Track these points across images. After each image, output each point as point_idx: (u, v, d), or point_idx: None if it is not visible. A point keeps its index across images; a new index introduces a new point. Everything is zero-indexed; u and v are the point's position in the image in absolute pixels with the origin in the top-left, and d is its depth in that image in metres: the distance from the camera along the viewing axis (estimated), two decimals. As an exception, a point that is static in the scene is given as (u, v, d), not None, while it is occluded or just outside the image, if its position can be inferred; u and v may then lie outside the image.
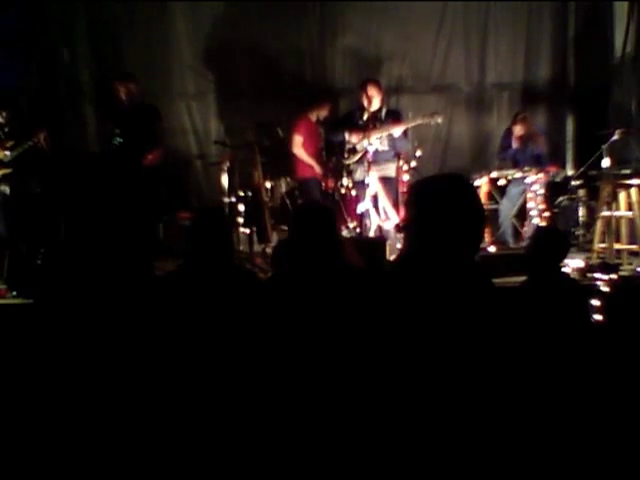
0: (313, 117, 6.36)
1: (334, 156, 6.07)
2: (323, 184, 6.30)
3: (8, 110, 5.37)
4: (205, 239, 2.75)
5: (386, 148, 5.73)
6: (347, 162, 5.75)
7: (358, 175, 5.74)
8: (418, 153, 5.80)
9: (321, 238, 2.55)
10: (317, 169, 6.26)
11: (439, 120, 5.63)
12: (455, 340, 1.70)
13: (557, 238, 3.36)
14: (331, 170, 6.20)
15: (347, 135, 5.75)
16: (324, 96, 6.63)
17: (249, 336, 2.46)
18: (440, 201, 1.78)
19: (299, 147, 6.26)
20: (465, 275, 1.78)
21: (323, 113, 6.39)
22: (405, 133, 5.77)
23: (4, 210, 5.21)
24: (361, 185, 5.69)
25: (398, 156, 5.75)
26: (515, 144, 6.11)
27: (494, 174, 5.88)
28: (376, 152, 5.66)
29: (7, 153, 5.23)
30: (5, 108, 5.35)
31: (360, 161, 5.69)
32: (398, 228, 5.08)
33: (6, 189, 5.28)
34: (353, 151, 5.73)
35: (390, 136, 5.69)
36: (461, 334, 1.71)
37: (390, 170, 5.74)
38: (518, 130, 6.08)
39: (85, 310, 3.32)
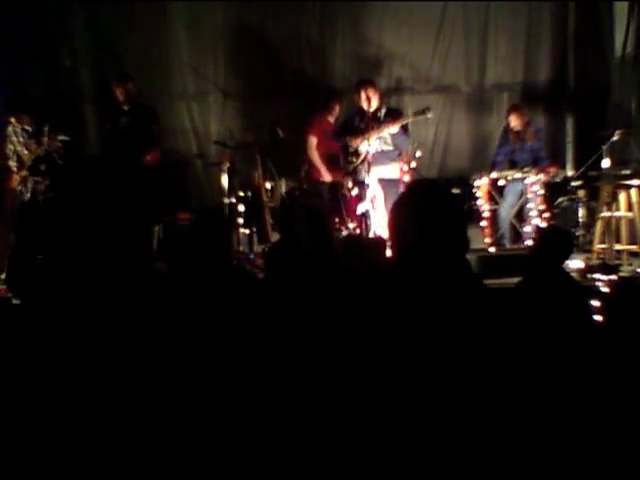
0: (331, 118, 6.34)
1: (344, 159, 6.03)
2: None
3: (29, 115, 5.38)
4: (204, 241, 2.75)
5: (390, 147, 5.70)
6: (353, 166, 5.74)
7: (360, 175, 5.73)
8: (418, 154, 5.80)
9: (311, 239, 2.55)
10: (324, 175, 6.21)
11: (429, 115, 5.59)
12: (448, 341, 1.71)
13: (563, 238, 3.37)
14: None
15: (348, 139, 5.75)
16: (335, 95, 6.56)
17: (249, 337, 2.46)
18: (417, 208, 1.80)
19: (313, 149, 6.21)
20: (455, 277, 1.78)
21: (336, 112, 6.36)
22: (405, 130, 5.74)
23: (21, 215, 5.25)
24: (363, 185, 5.68)
25: (401, 156, 5.73)
26: (513, 140, 6.08)
27: (494, 175, 5.88)
28: (381, 152, 5.64)
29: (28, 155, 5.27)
30: (26, 113, 5.37)
31: (363, 163, 5.68)
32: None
33: (27, 194, 5.31)
34: (356, 154, 5.73)
35: (394, 134, 5.67)
36: (453, 335, 1.71)
37: (394, 171, 5.70)
38: (513, 120, 6.02)
39: (85, 311, 3.32)
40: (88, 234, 5.18)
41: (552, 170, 5.97)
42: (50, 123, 5.34)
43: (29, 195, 5.36)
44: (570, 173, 7.02)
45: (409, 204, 1.85)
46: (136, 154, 5.60)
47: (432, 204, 1.81)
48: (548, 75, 7.44)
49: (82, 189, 5.76)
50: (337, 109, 6.36)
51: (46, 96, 6.83)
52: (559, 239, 3.31)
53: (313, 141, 6.23)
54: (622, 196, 5.44)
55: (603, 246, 5.43)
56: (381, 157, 5.68)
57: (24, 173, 5.26)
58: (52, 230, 5.44)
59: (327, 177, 6.21)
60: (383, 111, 5.76)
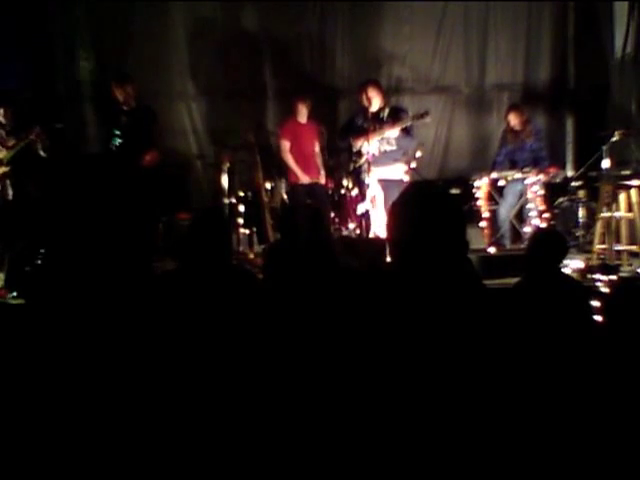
0: (300, 118, 6.24)
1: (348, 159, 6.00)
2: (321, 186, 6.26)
3: (9, 108, 5.30)
4: (204, 239, 2.75)
5: (394, 148, 5.67)
6: (356, 165, 5.74)
7: (362, 176, 5.73)
8: (418, 154, 5.80)
9: (308, 240, 2.56)
10: (302, 177, 6.13)
11: (428, 120, 5.57)
12: (447, 343, 1.71)
13: (555, 240, 3.37)
14: (335, 171, 6.16)
15: (351, 140, 5.75)
16: (297, 98, 6.35)
17: (248, 336, 2.46)
18: (414, 209, 1.80)
19: (286, 153, 6.17)
20: (453, 278, 1.78)
21: (304, 111, 6.23)
22: (407, 131, 5.73)
23: (3, 212, 5.17)
24: (363, 185, 5.68)
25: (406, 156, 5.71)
26: (513, 140, 6.07)
27: (494, 175, 5.88)
28: (384, 153, 5.63)
29: (5, 152, 5.18)
30: (6, 106, 5.29)
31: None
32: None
33: (9, 192, 5.20)
34: (359, 154, 5.72)
35: (397, 136, 5.66)
36: (452, 337, 1.71)
37: (396, 172, 5.68)
38: (512, 119, 6.01)
39: (84, 310, 3.32)
40: (85, 234, 5.18)
41: (552, 170, 5.96)
42: (39, 119, 5.26)
43: (11, 193, 5.21)
44: (570, 173, 7.03)
45: (406, 205, 1.85)
46: (135, 154, 5.60)
47: (429, 206, 1.81)
48: (548, 75, 7.45)
49: (78, 188, 5.75)
50: (304, 110, 6.21)
51: (36, 93, 6.77)
52: (549, 241, 3.31)
53: (285, 145, 6.18)
54: (622, 196, 5.43)
55: (603, 246, 5.43)
56: (384, 158, 5.67)
57: (1, 170, 5.12)
58: (46, 231, 5.42)
59: (304, 179, 6.14)
60: (386, 111, 5.74)
